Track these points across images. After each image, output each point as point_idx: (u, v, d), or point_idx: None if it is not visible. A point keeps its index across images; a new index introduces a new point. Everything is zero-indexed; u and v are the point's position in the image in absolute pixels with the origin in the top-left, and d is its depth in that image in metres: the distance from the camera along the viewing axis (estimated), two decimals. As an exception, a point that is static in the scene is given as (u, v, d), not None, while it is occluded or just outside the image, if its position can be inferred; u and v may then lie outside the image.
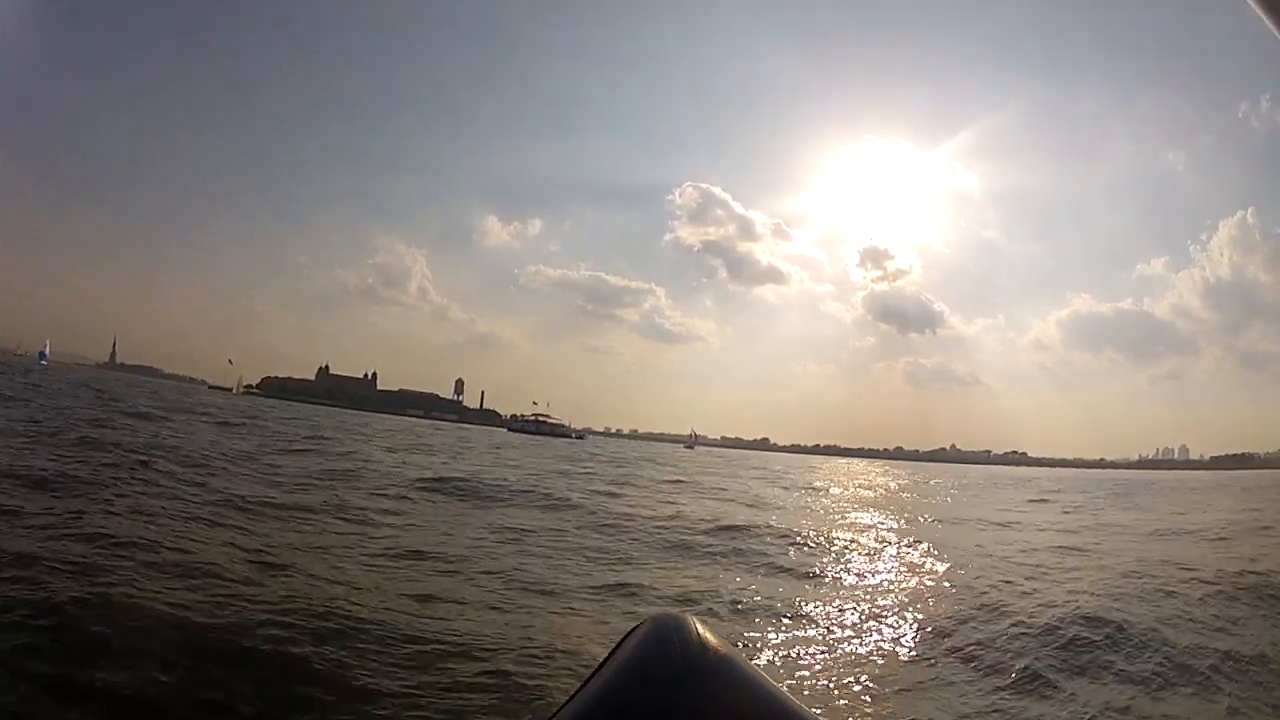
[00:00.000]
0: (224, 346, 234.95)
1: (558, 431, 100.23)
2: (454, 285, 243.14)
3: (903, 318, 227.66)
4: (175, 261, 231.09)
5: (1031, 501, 28.91)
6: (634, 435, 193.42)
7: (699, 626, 0.85)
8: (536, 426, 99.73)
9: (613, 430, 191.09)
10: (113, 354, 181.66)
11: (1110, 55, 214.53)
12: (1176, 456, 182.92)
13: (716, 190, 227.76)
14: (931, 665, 5.81)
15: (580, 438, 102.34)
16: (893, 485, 39.38)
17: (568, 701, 0.80)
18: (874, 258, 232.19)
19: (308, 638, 5.02)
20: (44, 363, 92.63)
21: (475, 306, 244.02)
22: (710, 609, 7.31)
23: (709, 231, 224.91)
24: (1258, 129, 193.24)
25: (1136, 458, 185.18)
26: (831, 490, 30.20)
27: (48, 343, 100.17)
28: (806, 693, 4.46)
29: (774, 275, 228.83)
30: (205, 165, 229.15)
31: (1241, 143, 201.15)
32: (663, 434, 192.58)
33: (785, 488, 28.23)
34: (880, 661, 5.83)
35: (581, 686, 0.83)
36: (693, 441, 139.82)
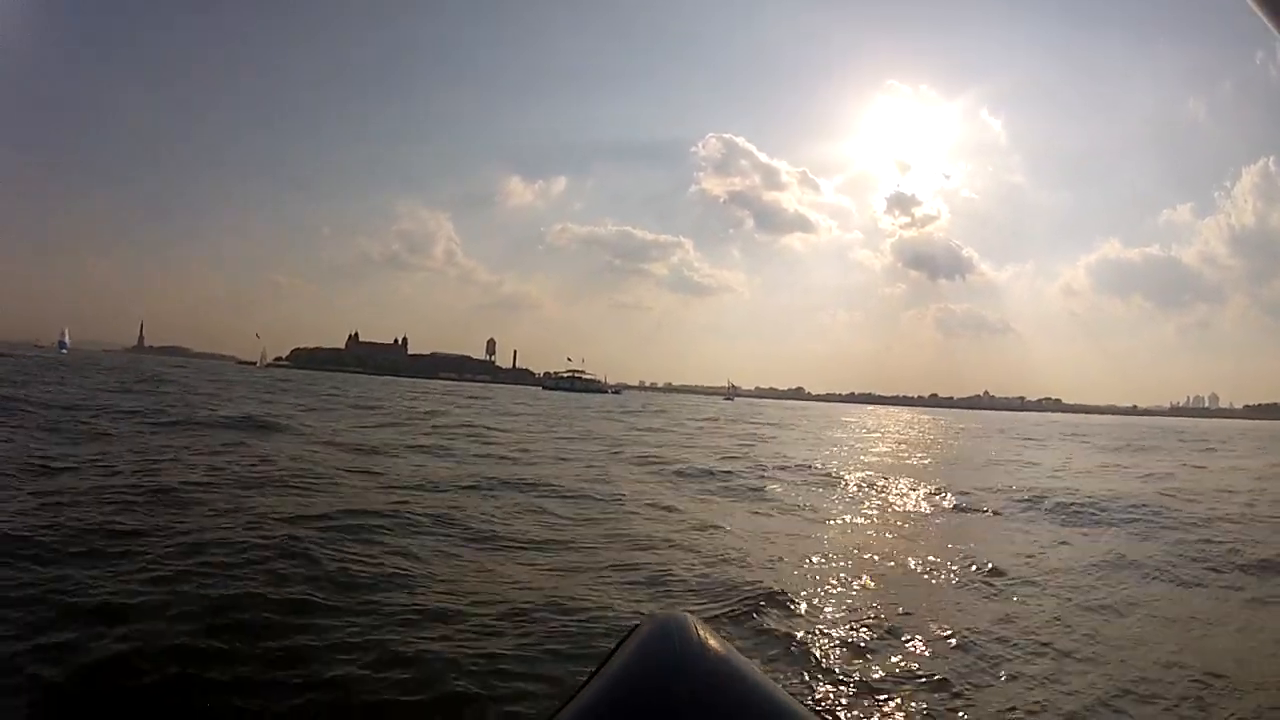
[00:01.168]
0: (251, 322, 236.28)
1: (593, 387, 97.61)
2: (480, 247, 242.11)
3: (932, 264, 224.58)
4: (196, 241, 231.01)
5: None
6: (668, 389, 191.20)
7: (699, 626, 0.85)
8: (571, 383, 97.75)
9: (646, 384, 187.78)
10: (140, 338, 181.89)
11: (1128, 0, 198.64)
12: (1208, 405, 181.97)
13: (740, 140, 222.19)
14: None
15: (617, 393, 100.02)
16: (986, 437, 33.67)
17: (568, 701, 0.79)
18: (902, 204, 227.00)
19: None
20: (64, 351, 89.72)
21: (502, 267, 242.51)
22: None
23: (734, 182, 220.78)
24: (1275, 77, 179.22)
25: (1168, 405, 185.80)
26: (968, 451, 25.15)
27: (65, 330, 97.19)
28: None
29: (802, 224, 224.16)
30: (220, 144, 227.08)
31: (1260, 91, 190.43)
32: (697, 386, 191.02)
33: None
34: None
35: (582, 686, 0.81)
36: (731, 393, 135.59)
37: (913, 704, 3.37)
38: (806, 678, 3.61)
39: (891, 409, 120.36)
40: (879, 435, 30.76)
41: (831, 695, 3.45)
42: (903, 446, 23.30)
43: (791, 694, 0.83)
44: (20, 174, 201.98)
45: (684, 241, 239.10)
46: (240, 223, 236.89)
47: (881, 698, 3.42)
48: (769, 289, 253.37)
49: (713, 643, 0.82)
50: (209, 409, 17.23)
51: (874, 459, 17.69)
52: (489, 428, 19.18)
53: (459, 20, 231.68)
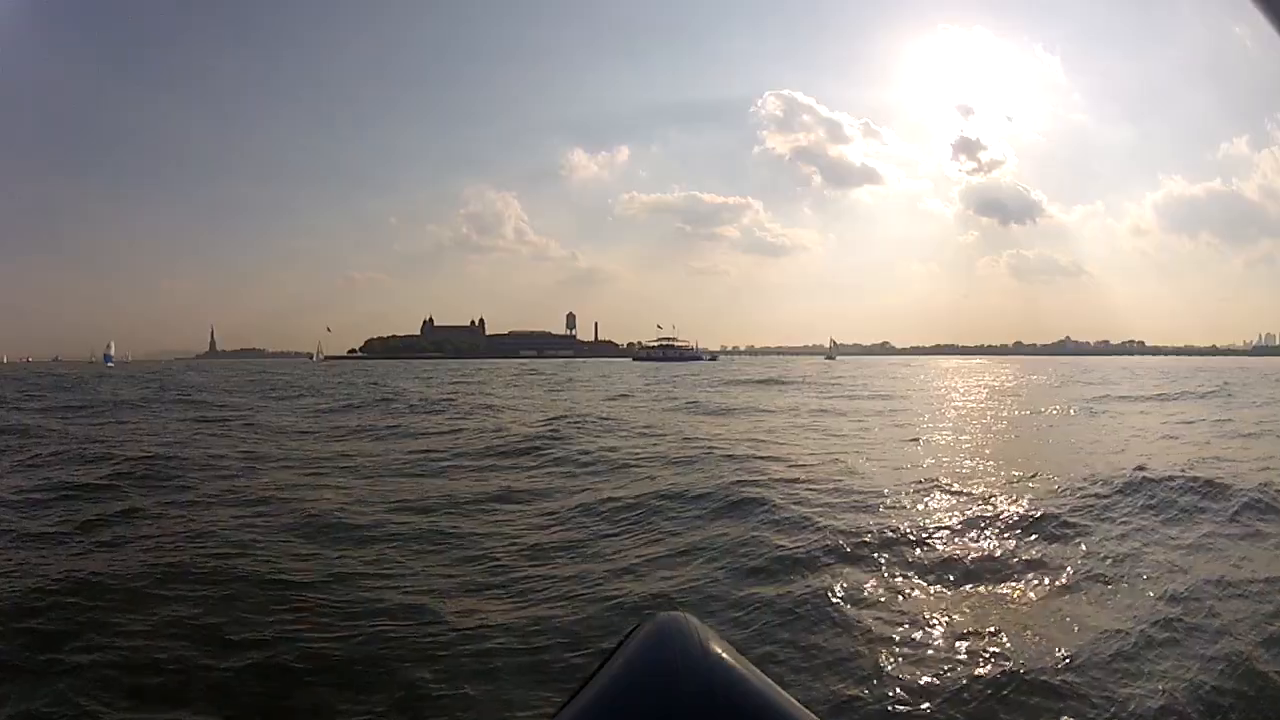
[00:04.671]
0: (325, 318, 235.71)
1: (686, 355, 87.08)
2: (549, 223, 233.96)
3: (1002, 209, 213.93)
4: (264, 244, 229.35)
5: None
6: (750, 351, 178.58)
7: (700, 627, 0.84)
8: (664, 353, 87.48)
9: (728, 348, 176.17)
10: (212, 343, 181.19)
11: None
12: (1278, 343, 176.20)
13: (799, 96, 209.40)
14: None
15: (713, 359, 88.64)
16: None
17: (568, 701, 0.78)
18: (967, 149, 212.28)
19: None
20: (110, 365, 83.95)
21: (574, 241, 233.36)
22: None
23: (798, 138, 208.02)
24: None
25: (1243, 344, 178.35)
26: None
27: (111, 344, 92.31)
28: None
29: (869, 176, 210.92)
30: (279, 144, 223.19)
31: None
32: (782, 347, 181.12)
33: None
34: None
35: (582, 686, 0.80)
36: (833, 352, 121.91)
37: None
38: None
39: (986, 360, 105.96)
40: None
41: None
42: None
43: (793, 696, 0.79)
44: (74, 197, 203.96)
45: (753, 203, 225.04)
46: (307, 223, 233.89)
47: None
48: (843, 244, 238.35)
49: (713, 644, 0.80)
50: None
51: None
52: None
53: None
